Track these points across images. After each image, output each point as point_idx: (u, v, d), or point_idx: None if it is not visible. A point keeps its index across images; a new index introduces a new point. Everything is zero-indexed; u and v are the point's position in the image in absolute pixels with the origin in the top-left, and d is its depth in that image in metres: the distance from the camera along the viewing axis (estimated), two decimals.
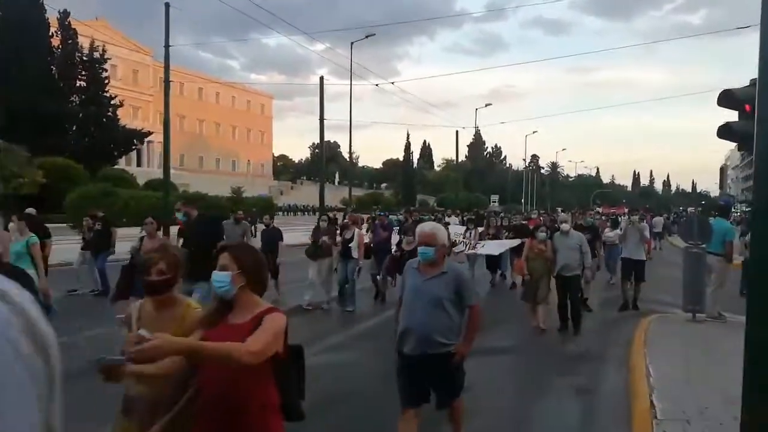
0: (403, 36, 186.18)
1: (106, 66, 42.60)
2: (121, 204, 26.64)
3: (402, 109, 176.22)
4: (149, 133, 41.93)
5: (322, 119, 28.29)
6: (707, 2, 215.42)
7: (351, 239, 9.33)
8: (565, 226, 8.29)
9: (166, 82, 21.45)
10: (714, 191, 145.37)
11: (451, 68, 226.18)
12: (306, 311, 9.21)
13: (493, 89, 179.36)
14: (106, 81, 42.32)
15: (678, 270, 16.91)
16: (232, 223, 10.39)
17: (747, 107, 4.34)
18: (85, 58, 41.30)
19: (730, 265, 8.41)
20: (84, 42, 41.76)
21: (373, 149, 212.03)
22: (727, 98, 4.46)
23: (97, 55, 41.82)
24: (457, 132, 44.71)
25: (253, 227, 23.18)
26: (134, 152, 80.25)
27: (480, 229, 12.71)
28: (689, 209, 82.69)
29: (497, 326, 8.57)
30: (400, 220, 18.74)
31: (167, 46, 20.59)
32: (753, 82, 4.45)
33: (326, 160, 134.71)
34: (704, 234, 7.81)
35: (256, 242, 11.14)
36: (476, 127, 53.32)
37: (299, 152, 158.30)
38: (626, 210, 59.68)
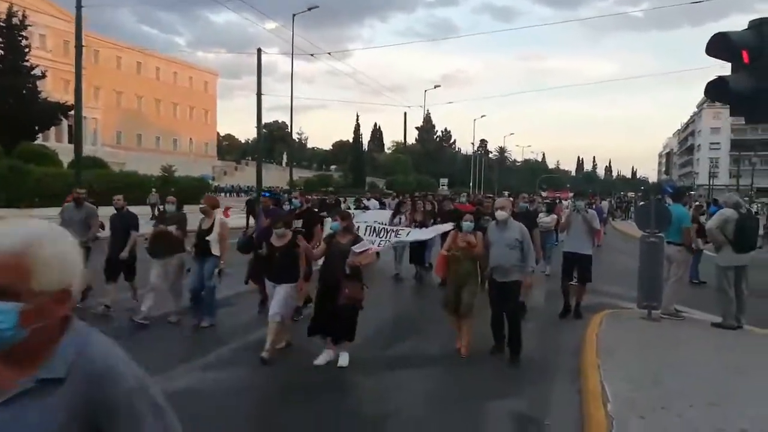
0: (354, 19, 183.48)
1: (32, 34, 39.21)
2: (32, 182, 24.20)
3: (354, 91, 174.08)
4: (71, 107, 38.69)
5: (259, 94, 26.55)
6: None
7: (209, 230, 7.06)
8: (501, 214, 6.11)
9: (78, 47, 19.21)
10: (652, 177, 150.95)
11: (403, 51, 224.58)
12: (169, 325, 7.14)
13: (444, 74, 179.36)
14: (27, 49, 38.86)
15: (626, 257, 16.41)
16: (72, 207, 8.34)
17: (744, 54, 3.23)
18: (2, 24, 37.73)
19: (690, 255, 7.54)
20: (2, 7, 38.23)
21: (325, 131, 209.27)
22: (719, 44, 3.34)
23: (16, 21, 38.27)
24: (405, 113, 43.87)
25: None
26: (65, 128, 76.06)
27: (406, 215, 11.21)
28: (629, 194, 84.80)
29: (420, 331, 7.31)
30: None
31: (79, 6, 18.35)
32: (753, 24, 3.33)
33: (274, 141, 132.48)
34: (662, 221, 6.87)
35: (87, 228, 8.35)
36: (425, 109, 52.14)
37: (247, 132, 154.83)
38: (571, 194, 60.09)
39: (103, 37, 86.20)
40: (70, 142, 74.37)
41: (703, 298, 9.23)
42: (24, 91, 37.26)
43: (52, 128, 49.25)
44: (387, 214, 10.81)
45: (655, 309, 7.02)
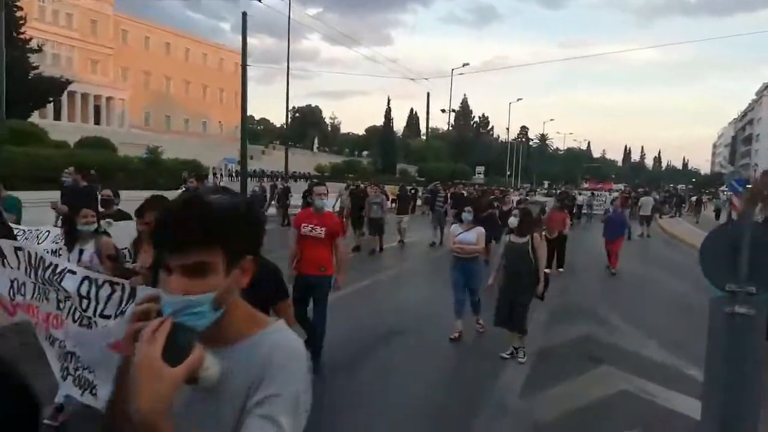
0: (397, 3, 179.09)
1: (58, 13, 36.84)
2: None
3: (393, 77, 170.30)
4: (68, 82, 36.14)
5: (244, 65, 23.13)
6: None
7: None
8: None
9: None
10: (705, 168, 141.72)
11: (446, 37, 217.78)
12: None
13: (485, 61, 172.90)
14: (22, 21, 36.28)
15: (671, 277, 11.40)
16: None
17: None
18: None
19: None
20: None
21: (362, 117, 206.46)
22: None
23: None
24: (428, 93, 39.81)
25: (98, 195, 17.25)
26: (92, 108, 74.65)
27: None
28: (679, 186, 77.88)
29: None
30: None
31: None
32: None
33: (306, 126, 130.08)
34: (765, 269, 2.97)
35: None
36: (451, 88, 47.71)
37: (283, 117, 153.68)
38: (610, 187, 53.80)
39: (130, 17, 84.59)
40: (96, 122, 73.36)
41: None
42: (17, 67, 34.61)
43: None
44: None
45: None
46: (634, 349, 5.97)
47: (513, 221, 5.91)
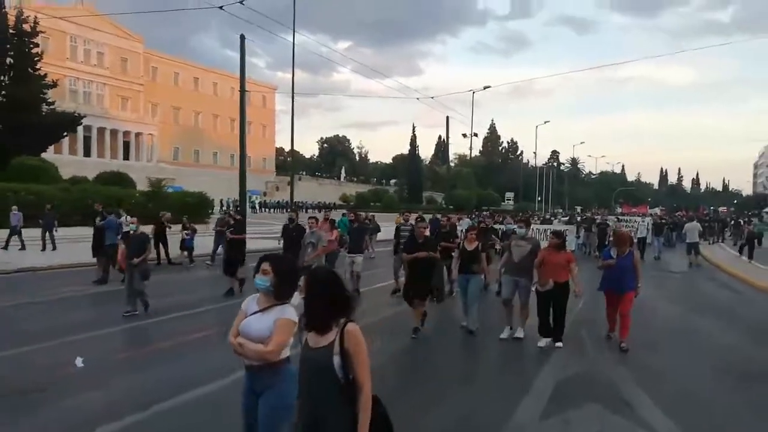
0: (426, 35, 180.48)
1: (89, 52, 36.83)
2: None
3: (423, 107, 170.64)
4: (81, 117, 35.71)
5: (242, 90, 22.00)
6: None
7: None
8: None
9: None
10: (746, 189, 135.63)
11: (475, 66, 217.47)
12: None
13: (515, 87, 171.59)
14: (37, 58, 36.24)
15: (724, 326, 9.00)
16: None
17: None
18: (12, 31, 35.25)
19: None
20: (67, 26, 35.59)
21: (392, 146, 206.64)
22: None
23: (27, 27, 35.73)
24: (447, 117, 38.22)
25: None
26: (122, 144, 75.50)
27: None
28: (720, 209, 73.70)
29: None
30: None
31: None
32: None
33: (335, 155, 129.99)
34: None
35: None
36: (472, 112, 46.06)
37: (314, 149, 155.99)
38: (645, 212, 49.94)
39: (160, 54, 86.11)
40: (125, 158, 74.00)
41: None
42: (31, 102, 34.39)
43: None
44: None
45: None
46: None
47: (296, 300, 3.02)
